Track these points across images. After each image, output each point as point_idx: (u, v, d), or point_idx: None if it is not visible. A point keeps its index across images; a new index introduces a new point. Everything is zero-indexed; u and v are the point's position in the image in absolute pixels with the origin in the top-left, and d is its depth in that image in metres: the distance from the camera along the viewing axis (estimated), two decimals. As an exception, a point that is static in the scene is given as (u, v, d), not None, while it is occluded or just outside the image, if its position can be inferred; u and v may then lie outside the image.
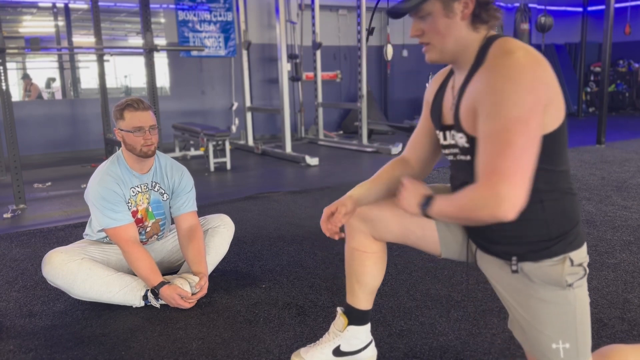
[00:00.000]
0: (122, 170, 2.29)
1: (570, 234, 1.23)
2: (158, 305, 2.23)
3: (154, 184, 2.38)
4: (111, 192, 2.23)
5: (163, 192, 2.41)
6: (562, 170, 1.24)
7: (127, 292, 2.22)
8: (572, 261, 1.22)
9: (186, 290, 2.20)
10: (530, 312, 1.28)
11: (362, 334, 1.70)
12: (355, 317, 1.69)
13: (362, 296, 1.66)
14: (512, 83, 1.10)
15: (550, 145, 1.18)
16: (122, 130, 2.22)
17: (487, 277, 1.42)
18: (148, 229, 2.41)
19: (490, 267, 1.37)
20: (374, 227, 1.56)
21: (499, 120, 1.10)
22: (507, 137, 1.08)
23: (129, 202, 2.29)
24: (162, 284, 2.20)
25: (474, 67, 1.22)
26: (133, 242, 2.24)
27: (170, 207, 2.44)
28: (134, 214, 2.33)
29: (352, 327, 1.68)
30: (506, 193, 1.07)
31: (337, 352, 1.70)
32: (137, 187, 2.33)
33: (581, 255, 1.25)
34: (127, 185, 2.29)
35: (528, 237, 1.24)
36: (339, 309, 1.73)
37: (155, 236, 2.46)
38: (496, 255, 1.32)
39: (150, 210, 2.38)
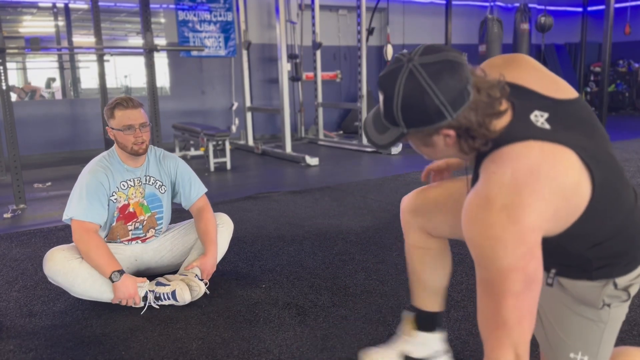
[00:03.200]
0: (113, 164, 2.34)
1: (619, 263, 1.14)
2: (157, 306, 2.23)
3: (148, 177, 2.41)
4: (98, 183, 2.26)
5: (160, 184, 2.43)
6: (610, 229, 1.11)
7: None
8: (616, 285, 1.14)
9: (187, 296, 2.21)
10: (557, 318, 1.23)
11: (431, 342, 1.64)
12: (422, 320, 1.63)
13: (425, 296, 1.60)
14: (490, 240, 0.99)
15: (583, 225, 1.07)
16: (113, 129, 2.27)
17: None
18: (145, 223, 2.43)
19: None
20: (429, 220, 1.51)
21: (490, 272, 1.01)
22: (503, 287, 0.99)
23: (113, 196, 2.31)
24: (122, 272, 2.17)
25: (476, 172, 1.12)
26: (93, 231, 2.23)
27: (181, 201, 2.50)
28: (125, 207, 2.35)
29: (419, 333, 1.64)
30: (518, 344, 1.01)
31: (404, 356, 1.66)
32: (130, 180, 2.36)
33: (630, 277, 1.15)
34: (116, 179, 2.32)
35: (568, 262, 1.17)
36: (406, 312, 1.68)
37: (153, 230, 2.47)
38: None
39: (145, 204, 2.40)
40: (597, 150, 1.08)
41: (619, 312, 1.19)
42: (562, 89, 1.16)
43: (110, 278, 2.15)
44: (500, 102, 1.04)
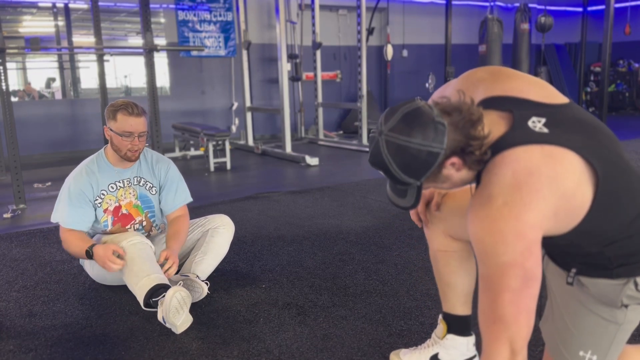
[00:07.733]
0: (100, 167, 2.34)
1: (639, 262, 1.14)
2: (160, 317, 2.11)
3: (138, 179, 2.41)
4: (79, 191, 2.27)
5: (151, 186, 2.43)
6: (625, 225, 1.11)
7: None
8: (637, 284, 1.13)
9: (184, 293, 2.17)
10: (571, 316, 1.24)
11: (462, 346, 1.66)
12: (454, 324, 1.65)
13: (455, 300, 1.63)
14: (492, 235, 1.04)
15: (594, 221, 1.08)
16: (112, 130, 2.25)
17: (545, 274, 1.38)
18: (144, 224, 2.43)
19: (550, 269, 1.32)
20: (450, 224, 1.54)
21: (490, 267, 1.05)
22: (501, 282, 1.03)
23: (97, 201, 2.31)
24: (94, 245, 2.19)
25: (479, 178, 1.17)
26: (74, 232, 2.28)
27: (160, 202, 2.46)
28: (117, 210, 2.35)
29: (452, 336, 1.65)
30: (514, 339, 1.03)
31: (435, 359, 1.67)
32: (119, 182, 2.36)
33: None
34: (102, 183, 2.32)
35: (589, 261, 1.18)
36: (440, 315, 1.70)
37: (154, 229, 2.48)
38: (556, 263, 1.27)
39: (139, 204, 2.41)
40: (600, 149, 1.10)
41: (634, 316, 1.19)
42: (552, 95, 1.19)
43: (86, 256, 2.19)
44: (475, 110, 1.10)
